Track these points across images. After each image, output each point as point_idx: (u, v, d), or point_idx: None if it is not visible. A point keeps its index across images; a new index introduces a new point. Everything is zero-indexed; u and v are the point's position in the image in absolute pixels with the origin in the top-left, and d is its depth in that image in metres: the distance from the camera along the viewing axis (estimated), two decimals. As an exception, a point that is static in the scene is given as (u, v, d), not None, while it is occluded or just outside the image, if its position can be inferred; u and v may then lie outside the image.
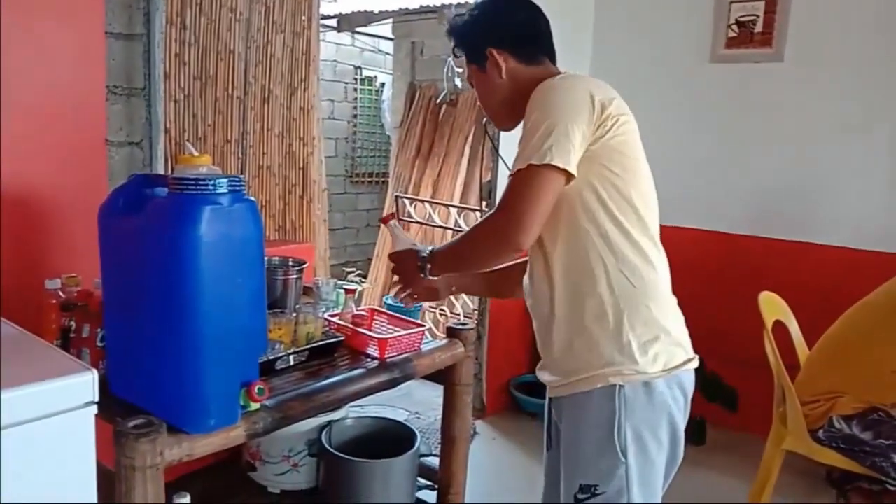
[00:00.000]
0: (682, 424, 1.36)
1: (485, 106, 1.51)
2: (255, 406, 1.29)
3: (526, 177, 1.22)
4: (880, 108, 2.92)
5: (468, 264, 1.46)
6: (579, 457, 1.35)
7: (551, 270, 1.35)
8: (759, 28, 3.09)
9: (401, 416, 3.27)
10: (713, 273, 3.24)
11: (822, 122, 3.04)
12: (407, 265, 1.46)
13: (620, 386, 1.29)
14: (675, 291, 1.41)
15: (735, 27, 3.15)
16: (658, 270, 1.35)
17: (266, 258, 1.72)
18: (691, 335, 1.42)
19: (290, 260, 1.83)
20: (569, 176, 1.23)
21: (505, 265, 1.58)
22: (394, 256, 1.51)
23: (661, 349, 1.31)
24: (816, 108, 3.05)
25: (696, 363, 1.38)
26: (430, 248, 1.44)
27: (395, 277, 1.52)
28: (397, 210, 4.73)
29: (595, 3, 3.56)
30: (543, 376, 1.46)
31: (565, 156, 1.21)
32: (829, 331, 2.31)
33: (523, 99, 1.36)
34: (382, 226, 1.56)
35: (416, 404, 3.45)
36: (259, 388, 1.27)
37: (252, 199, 1.25)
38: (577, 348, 1.34)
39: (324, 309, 1.75)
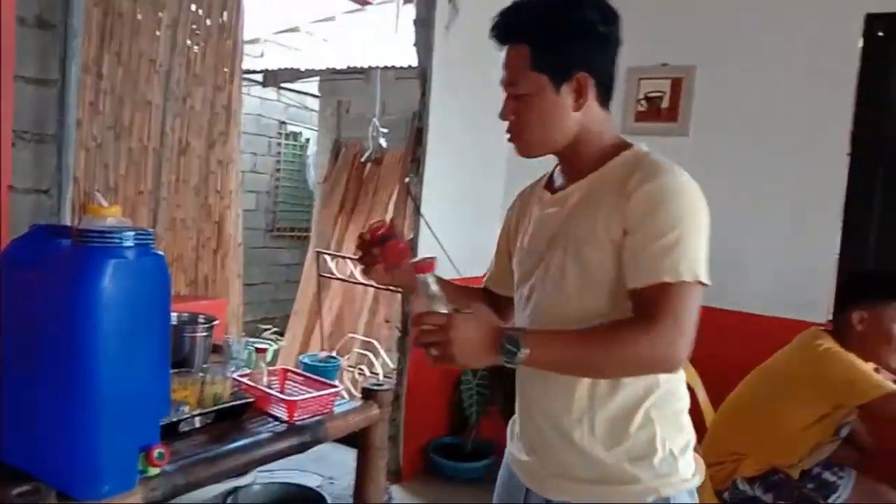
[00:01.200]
0: None
1: (526, 126, 1.23)
2: (154, 471, 1.22)
3: (695, 294, 1.11)
4: (778, 180, 3.12)
5: (589, 365, 1.15)
6: None
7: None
8: (665, 104, 3.30)
9: (314, 481, 3.15)
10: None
11: (724, 193, 3.22)
12: (473, 336, 1.08)
13: (670, 497, 1.21)
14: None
15: (644, 102, 3.35)
16: None
17: (175, 314, 1.68)
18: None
19: (200, 316, 1.78)
20: None
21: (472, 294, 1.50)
22: (456, 321, 1.07)
23: (691, 454, 1.27)
24: (718, 179, 3.22)
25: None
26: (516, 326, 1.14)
27: (434, 350, 1.08)
28: (318, 266, 4.67)
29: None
30: (547, 482, 1.28)
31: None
32: (732, 394, 2.40)
33: (579, 143, 1.24)
34: (363, 275, 1.33)
35: (331, 468, 3.34)
36: (159, 453, 1.21)
37: (160, 253, 1.21)
38: (617, 456, 1.21)
39: (233, 368, 1.69)
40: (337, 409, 1.68)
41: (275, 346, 4.49)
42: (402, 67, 4.36)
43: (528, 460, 1.32)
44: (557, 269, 1.23)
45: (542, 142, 1.25)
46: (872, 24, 2.83)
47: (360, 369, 4.29)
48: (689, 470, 1.24)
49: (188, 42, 2.39)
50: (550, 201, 1.31)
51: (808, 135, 3.04)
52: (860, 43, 2.87)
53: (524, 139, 1.25)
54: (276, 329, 5.22)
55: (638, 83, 3.34)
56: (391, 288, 1.36)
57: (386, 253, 1.32)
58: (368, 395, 1.78)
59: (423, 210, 3.26)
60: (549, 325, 1.23)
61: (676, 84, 3.26)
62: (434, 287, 1.15)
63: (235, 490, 1.86)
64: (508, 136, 1.27)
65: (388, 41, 4.79)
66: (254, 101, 5.79)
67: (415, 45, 3.22)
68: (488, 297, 1.51)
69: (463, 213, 3.53)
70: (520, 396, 1.35)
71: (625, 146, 1.25)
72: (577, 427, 1.22)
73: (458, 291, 1.47)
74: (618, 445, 1.21)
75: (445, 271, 3.41)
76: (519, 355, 1.07)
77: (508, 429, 1.44)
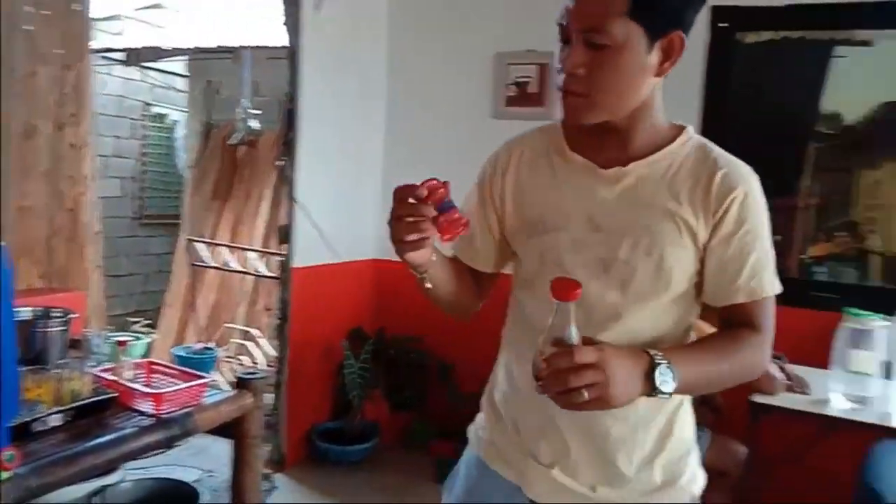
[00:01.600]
0: None
1: (600, 84, 1.01)
2: (5, 475, 1.16)
3: (774, 306, 1.10)
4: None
5: (715, 383, 1.10)
6: None
7: None
8: (533, 89, 3.40)
9: (193, 475, 3.06)
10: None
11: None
12: (629, 371, 0.92)
13: (696, 497, 1.18)
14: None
15: (514, 87, 3.44)
16: None
17: (28, 308, 1.58)
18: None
19: (55, 310, 1.68)
20: None
21: (460, 271, 1.21)
22: (613, 356, 0.90)
23: None
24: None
25: None
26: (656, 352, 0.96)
27: (588, 393, 0.88)
28: (190, 255, 4.49)
29: (387, 67, 3.71)
30: (577, 493, 1.14)
31: None
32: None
33: (637, 116, 1.07)
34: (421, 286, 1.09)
35: (210, 461, 3.25)
36: (9, 455, 1.15)
37: (1, 244, 1.13)
38: (661, 462, 1.14)
39: (94, 363, 1.61)
40: (207, 401, 1.64)
41: (146, 340, 4.28)
42: (273, 47, 4.24)
43: (545, 471, 1.16)
44: (625, 266, 1.07)
45: (610, 106, 1.03)
46: (717, 15, 3.05)
47: (240, 359, 4.19)
48: (700, 471, 1.21)
49: (29, 9, 2.19)
50: (597, 175, 1.10)
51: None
52: (706, 34, 3.08)
53: (592, 100, 1.02)
54: (147, 322, 4.97)
55: (507, 68, 3.43)
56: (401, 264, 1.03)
57: (447, 225, 0.97)
58: (241, 384, 1.75)
59: (298, 194, 3.21)
60: (622, 338, 1.06)
61: (543, 70, 3.37)
62: (574, 320, 0.91)
63: (103, 489, 1.78)
64: (564, 91, 1.04)
65: (258, 19, 4.64)
66: (115, 81, 5.44)
67: (284, 24, 3.15)
68: (469, 273, 1.25)
69: (340, 196, 3.51)
70: (542, 405, 1.06)
71: (678, 128, 1.13)
72: (629, 437, 1.11)
73: (451, 269, 1.18)
74: (663, 451, 1.13)
75: (323, 257, 3.38)
76: (672, 385, 0.94)
77: (487, 430, 1.25)
